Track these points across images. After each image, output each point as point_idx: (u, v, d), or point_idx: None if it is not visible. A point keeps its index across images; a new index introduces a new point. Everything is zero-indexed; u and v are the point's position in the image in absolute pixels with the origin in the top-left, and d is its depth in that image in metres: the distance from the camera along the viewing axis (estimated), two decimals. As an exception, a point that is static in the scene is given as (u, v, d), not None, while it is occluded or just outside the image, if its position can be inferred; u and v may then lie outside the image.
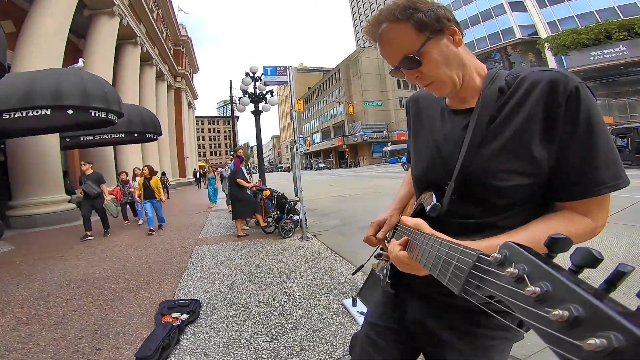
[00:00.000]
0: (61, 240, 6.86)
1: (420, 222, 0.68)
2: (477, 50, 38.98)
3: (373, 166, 39.58)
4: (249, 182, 6.47)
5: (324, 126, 62.63)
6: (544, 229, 0.66)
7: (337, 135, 55.71)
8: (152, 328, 2.65)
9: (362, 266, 1.27)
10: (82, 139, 9.26)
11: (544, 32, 33.43)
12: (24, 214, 8.61)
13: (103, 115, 5.93)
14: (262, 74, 7.13)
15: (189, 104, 36.20)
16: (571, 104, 0.65)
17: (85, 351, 2.37)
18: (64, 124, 6.98)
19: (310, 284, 3.48)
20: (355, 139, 49.55)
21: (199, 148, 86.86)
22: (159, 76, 22.50)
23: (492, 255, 0.39)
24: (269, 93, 7.72)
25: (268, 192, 6.35)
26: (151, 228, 7.01)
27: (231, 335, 2.48)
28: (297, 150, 5.67)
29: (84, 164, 6.85)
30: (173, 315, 2.77)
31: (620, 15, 28.68)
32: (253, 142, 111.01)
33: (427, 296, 0.86)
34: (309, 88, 67.64)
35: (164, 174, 19.99)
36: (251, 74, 7.40)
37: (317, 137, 65.98)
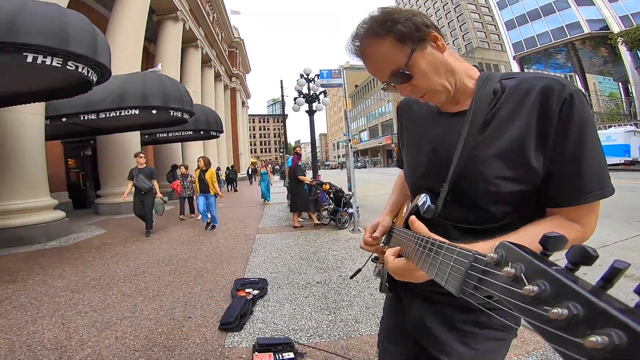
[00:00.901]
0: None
1: (421, 226, 0.69)
2: (540, 46, 35.96)
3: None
4: (307, 178, 6.94)
5: (371, 124, 62.09)
6: (533, 234, 0.66)
7: (386, 133, 54.83)
8: (229, 301, 3.12)
9: (360, 270, 1.31)
10: (158, 136, 10.51)
11: (616, 27, 30.20)
12: (110, 202, 9.97)
13: (179, 114, 6.79)
14: (317, 75, 7.53)
15: (243, 103, 38.24)
16: (564, 111, 0.65)
17: (179, 319, 2.78)
18: (147, 122, 8.00)
19: (363, 270, 3.78)
20: (405, 136, 48.39)
21: (250, 145, 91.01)
22: (217, 77, 24.16)
23: (489, 255, 0.39)
24: (322, 93, 8.11)
25: (327, 186, 6.76)
26: (207, 222, 6.87)
27: (295, 309, 2.89)
28: (350, 147, 5.98)
29: (140, 156, 6.41)
30: (247, 290, 3.26)
31: None
32: (302, 140, 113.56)
33: (427, 296, 0.86)
34: (356, 86, 67.36)
35: (228, 167, 21.52)
36: (305, 75, 7.85)
37: (364, 135, 65.61)
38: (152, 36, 14.43)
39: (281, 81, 15.88)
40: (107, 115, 6.58)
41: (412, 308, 0.91)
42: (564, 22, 34.61)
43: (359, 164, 57.35)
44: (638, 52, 26.92)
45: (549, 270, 0.32)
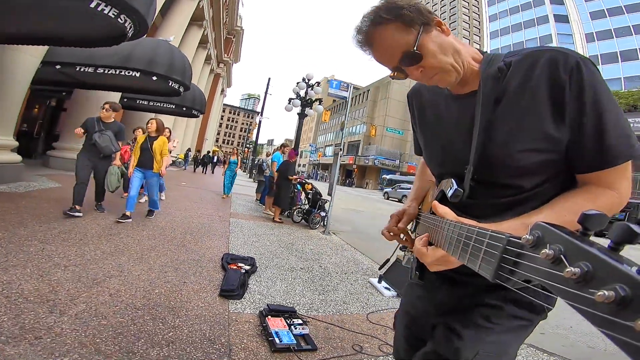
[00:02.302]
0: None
1: (447, 210, 0.68)
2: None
3: (375, 191, 40.03)
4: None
5: (338, 141, 63.39)
6: (568, 206, 0.66)
7: (350, 153, 56.43)
8: (220, 272, 3.25)
9: (388, 260, 1.31)
10: (137, 102, 10.07)
11: (580, 48, 34.58)
12: (65, 156, 9.26)
13: (176, 86, 6.72)
14: (318, 83, 7.94)
15: (222, 90, 37.39)
16: (574, 80, 0.66)
17: (175, 283, 2.78)
18: (142, 87, 7.72)
19: (339, 265, 4.17)
20: (367, 161, 50.18)
21: (215, 134, 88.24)
22: (207, 59, 23.57)
23: (524, 237, 0.38)
24: (317, 101, 8.53)
25: (310, 186, 7.07)
26: (126, 213, 4.60)
27: (287, 286, 3.16)
28: (339, 156, 6.40)
29: (107, 109, 4.65)
30: (238, 264, 3.45)
31: None
32: (276, 140, 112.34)
33: (456, 279, 0.87)
34: (334, 101, 69.00)
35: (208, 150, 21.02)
36: (307, 80, 8.24)
37: (329, 150, 66.96)
38: (164, 8, 13.89)
39: (269, 78, 16.08)
40: (105, 72, 6.32)
41: (442, 290, 0.91)
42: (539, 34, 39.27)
43: (318, 177, 58.33)
44: None
45: (592, 251, 0.30)
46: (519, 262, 0.40)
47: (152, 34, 13.57)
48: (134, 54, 6.18)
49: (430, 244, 0.73)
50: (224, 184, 9.45)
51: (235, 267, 3.39)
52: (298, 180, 7.19)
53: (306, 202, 7.18)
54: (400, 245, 1.02)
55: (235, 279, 2.98)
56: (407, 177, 40.49)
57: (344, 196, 21.80)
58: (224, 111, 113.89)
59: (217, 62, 29.11)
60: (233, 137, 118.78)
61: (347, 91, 7.32)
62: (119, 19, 4.03)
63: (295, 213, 6.95)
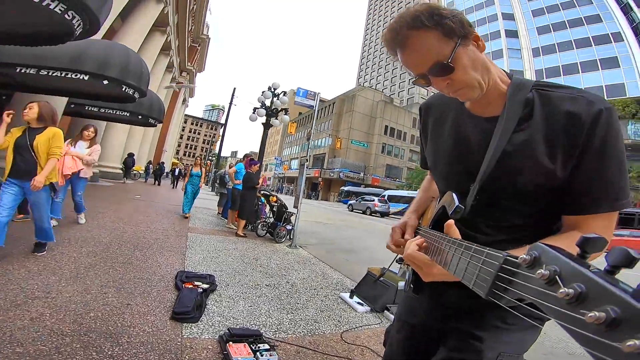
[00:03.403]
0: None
1: (456, 230, 0.69)
2: None
3: (340, 204, 40.29)
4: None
5: (304, 154, 63.47)
6: (559, 243, 0.72)
7: (316, 166, 56.62)
8: (174, 292, 2.88)
9: (386, 270, 1.36)
10: (86, 108, 9.21)
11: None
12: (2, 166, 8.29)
13: (131, 91, 6.18)
14: (284, 92, 7.75)
15: (184, 100, 36.06)
16: (593, 127, 0.69)
17: (115, 304, 2.42)
18: (91, 92, 7.04)
19: (307, 280, 3.91)
20: (332, 174, 50.56)
21: (176, 145, 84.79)
22: (169, 67, 22.60)
23: (521, 256, 0.39)
24: (283, 111, 8.33)
25: (275, 198, 6.75)
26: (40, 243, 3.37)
27: (251, 306, 2.84)
28: (305, 168, 6.20)
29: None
30: (195, 283, 3.08)
31: (605, 95, 31.86)
32: (239, 153, 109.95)
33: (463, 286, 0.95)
34: (300, 114, 69.32)
35: (130, 155, 18.01)
36: (272, 90, 8.02)
37: (294, 163, 66.78)
38: (124, 11, 13.04)
39: (234, 88, 15.69)
40: (50, 74, 5.67)
41: (449, 293, 0.89)
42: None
43: (284, 190, 57.67)
44: None
45: (587, 273, 0.31)
46: (513, 280, 0.40)
47: (109, 38, 12.76)
48: (85, 56, 5.59)
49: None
50: (183, 200, 7.83)
51: (191, 286, 3.02)
52: (262, 191, 6.87)
53: (271, 215, 6.85)
54: (397, 258, 1.01)
55: (190, 300, 2.63)
56: (370, 189, 41.31)
57: (309, 209, 21.57)
58: (185, 122, 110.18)
59: (179, 70, 28.10)
60: (195, 149, 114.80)
61: (314, 100, 7.17)
62: (66, 15, 3.59)
63: (259, 227, 6.60)
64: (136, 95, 6.44)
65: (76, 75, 5.39)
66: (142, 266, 3.51)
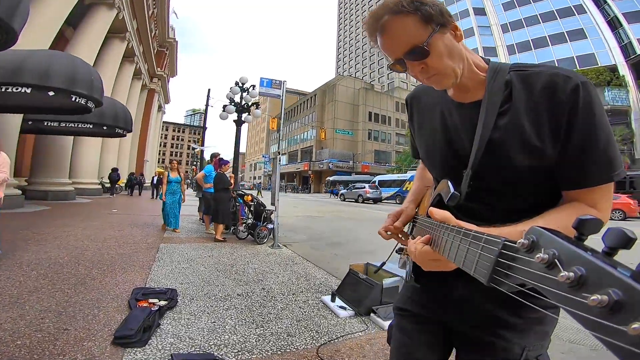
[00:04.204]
0: (3, 225, 6.21)
1: (447, 215, 0.67)
2: None
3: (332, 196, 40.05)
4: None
5: (292, 149, 63.13)
6: (557, 217, 0.69)
7: (305, 159, 56.22)
8: (125, 312, 2.55)
9: (384, 263, 1.25)
10: (45, 124, 8.62)
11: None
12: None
13: (83, 101, 5.68)
14: (253, 86, 7.31)
15: (159, 107, 35.05)
16: (572, 101, 0.69)
17: (50, 331, 2.19)
18: (40, 106, 6.51)
19: (287, 284, 3.53)
20: (322, 166, 50.28)
21: (160, 154, 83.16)
22: (137, 74, 21.79)
23: (519, 241, 0.38)
24: (254, 105, 7.88)
25: (249, 197, 6.33)
26: None
27: (214, 322, 2.47)
28: (278, 162, 5.80)
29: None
30: (150, 300, 2.70)
31: (577, 65, 32.30)
32: (221, 155, 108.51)
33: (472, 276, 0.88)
34: (281, 106, 68.45)
35: (115, 169, 18.17)
36: (240, 84, 7.55)
37: (283, 159, 66.23)
38: (75, 19, 12.30)
39: (209, 90, 15.09)
40: None
41: (458, 288, 0.87)
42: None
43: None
44: None
45: (586, 255, 0.30)
46: (513, 266, 0.40)
47: (62, 47, 12.06)
48: (24, 67, 5.07)
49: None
50: (164, 213, 6.60)
51: (145, 304, 2.64)
52: (235, 193, 6.45)
53: (250, 215, 6.43)
54: (397, 248, 1.02)
55: (137, 321, 2.26)
56: (358, 176, 41.10)
57: (301, 203, 21.27)
58: (166, 129, 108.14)
59: (149, 76, 27.17)
60: (181, 155, 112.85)
61: (280, 88, 6.74)
62: None
63: (240, 229, 6.20)
64: (90, 105, 5.95)
65: (17, 89, 4.88)
66: (95, 286, 3.13)
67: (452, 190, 0.76)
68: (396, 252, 1.05)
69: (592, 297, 0.27)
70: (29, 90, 5.07)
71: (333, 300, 2.92)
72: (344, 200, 27.20)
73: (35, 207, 9.08)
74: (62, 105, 6.13)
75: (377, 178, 30.83)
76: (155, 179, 17.58)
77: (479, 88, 0.81)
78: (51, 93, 5.16)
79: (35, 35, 8.12)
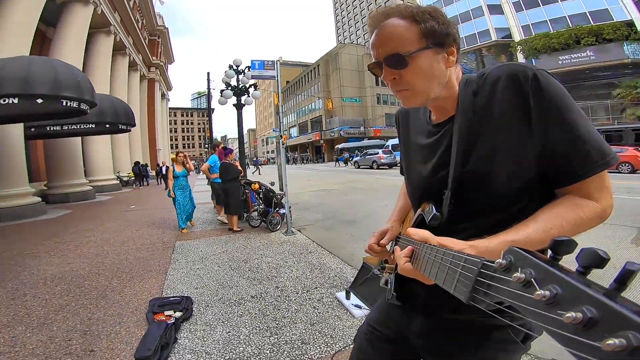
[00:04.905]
0: (28, 235, 6.47)
1: (427, 234, 0.65)
2: None
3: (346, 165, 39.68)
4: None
5: (301, 120, 62.40)
6: (550, 217, 0.65)
7: (315, 130, 55.60)
8: (144, 327, 2.58)
9: (367, 278, 1.23)
10: (48, 129, 8.70)
11: (517, 35, 34.87)
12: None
13: (75, 104, 5.60)
14: (248, 67, 7.00)
15: (163, 95, 34.87)
16: (535, 91, 0.66)
17: (78, 353, 2.25)
18: (32, 113, 6.50)
19: (301, 278, 3.51)
20: (333, 134, 49.67)
21: (172, 140, 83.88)
22: (132, 66, 21.49)
23: (497, 261, 0.39)
24: (252, 87, 7.60)
25: (257, 185, 6.28)
26: None
27: (229, 332, 2.47)
28: (282, 144, 5.64)
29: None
30: (166, 313, 2.72)
31: (591, 21, 30.08)
32: (229, 135, 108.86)
33: (433, 314, 0.85)
34: (287, 82, 66.86)
35: (137, 163, 19.23)
36: (235, 67, 7.25)
37: (294, 131, 65.64)
38: (53, 19, 11.97)
39: (208, 73, 14.75)
40: None
41: (417, 323, 0.89)
42: (476, 30, 39.03)
43: (289, 160, 57.12)
44: (533, 60, 31.26)
45: (560, 274, 0.31)
46: (492, 284, 0.41)
47: (46, 49, 11.86)
48: (2, 78, 4.95)
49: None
50: (178, 209, 6.09)
51: (162, 317, 2.67)
52: (242, 181, 6.38)
53: (260, 202, 6.40)
54: (379, 267, 1.05)
55: (154, 339, 2.28)
56: (367, 141, 40.42)
57: (314, 175, 21.24)
58: (175, 115, 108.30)
59: (146, 66, 26.78)
60: (192, 139, 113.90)
61: (274, 69, 6.42)
62: None
63: (252, 216, 6.20)
64: (84, 106, 5.87)
65: (4, 100, 4.82)
66: (115, 299, 3.20)
67: (433, 211, 0.76)
68: (378, 269, 1.06)
69: (567, 315, 0.28)
70: (16, 101, 5.01)
71: (348, 297, 2.86)
72: (358, 167, 26.94)
73: (57, 212, 9.38)
74: (55, 111, 6.08)
75: (390, 142, 30.22)
76: (164, 168, 17.34)
77: (454, 106, 0.79)
78: (39, 100, 5.09)
79: (11, 41, 7.96)
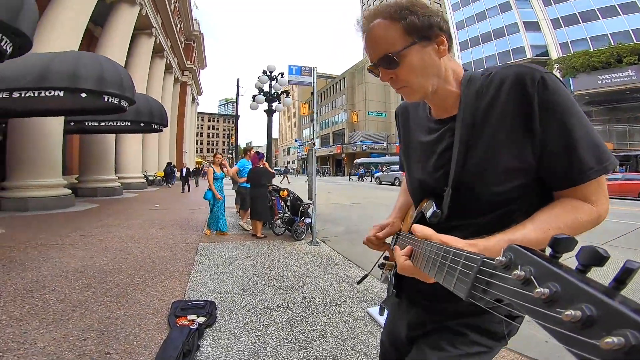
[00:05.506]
0: (55, 226, 6.57)
1: (429, 232, 0.65)
2: (484, 68, 39.90)
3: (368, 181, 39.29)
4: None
5: (324, 133, 62.73)
6: (548, 218, 0.66)
7: (337, 142, 55.66)
8: (165, 331, 2.44)
9: (367, 275, 1.23)
10: (87, 124, 9.02)
11: (555, 53, 33.68)
12: (16, 196, 8.30)
13: (116, 101, 5.73)
14: (281, 74, 7.00)
15: (193, 99, 36.00)
16: (541, 93, 0.66)
17: (92, 355, 2.09)
18: (75, 108, 6.73)
19: (329, 290, 3.30)
20: (355, 148, 49.54)
21: (197, 144, 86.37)
22: (168, 69, 22.36)
23: (497, 259, 0.39)
24: (284, 93, 7.59)
25: (285, 192, 6.16)
26: None
27: (255, 342, 2.29)
28: (314, 153, 5.51)
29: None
30: (189, 317, 2.57)
31: (634, 39, 28.68)
32: (254, 142, 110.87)
33: (427, 306, 0.89)
34: (312, 93, 67.69)
35: (169, 164, 20.02)
36: (268, 73, 7.27)
37: (316, 142, 65.96)
38: (101, 19, 12.65)
39: (238, 79, 15.05)
40: (23, 96, 5.31)
41: (411, 313, 0.93)
42: (510, 46, 38.07)
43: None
44: (570, 79, 29.84)
45: (560, 272, 0.31)
46: (491, 282, 0.41)
47: (93, 47, 12.43)
48: (51, 71, 5.15)
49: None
50: (215, 214, 5.81)
51: (185, 321, 2.51)
52: (271, 187, 6.27)
53: (286, 210, 6.25)
54: (379, 263, 1.02)
55: (176, 345, 2.13)
56: (387, 158, 40.02)
57: (335, 188, 21.01)
58: (202, 120, 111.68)
59: (180, 70, 27.79)
60: (217, 144, 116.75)
61: (311, 75, 6.37)
62: None
63: (277, 224, 6.05)
64: (124, 104, 6.00)
65: (50, 93, 4.98)
66: (136, 298, 3.08)
67: (434, 207, 0.76)
68: (378, 266, 1.03)
69: (566, 312, 0.28)
70: (61, 94, 5.17)
71: (381, 313, 2.60)
72: (379, 183, 26.54)
73: (85, 205, 9.61)
74: (96, 106, 6.26)
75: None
76: (185, 170, 17.22)
77: (456, 103, 0.79)
78: (83, 95, 5.23)
79: (62, 37, 8.35)
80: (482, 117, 0.74)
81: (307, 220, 5.76)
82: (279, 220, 6.13)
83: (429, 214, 0.77)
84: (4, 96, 5.09)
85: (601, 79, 28.74)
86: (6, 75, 4.83)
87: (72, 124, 8.83)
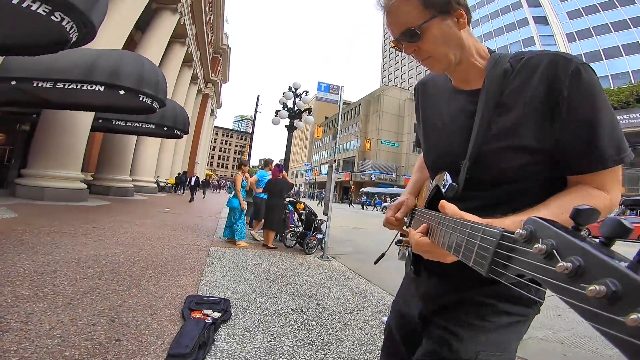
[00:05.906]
0: (68, 216, 6.64)
1: (456, 209, 0.63)
2: None
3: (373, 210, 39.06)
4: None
5: (335, 158, 63.09)
6: (562, 203, 0.66)
7: (346, 170, 55.86)
8: (178, 323, 2.40)
9: (384, 254, 1.19)
10: (114, 122, 9.29)
11: None
12: (33, 184, 8.45)
13: (149, 101, 5.95)
14: (305, 91, 7.21)
15: (212, 112, 36.91)
16: (573, 82, 0.67)
17: (101, 340, 2.01)
18: (110, 104, 6.98)
19: (342, 300, 3.25)
20: (363, 177, 49.57)
21: (209, 157, 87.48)
22: (193, 79, 23.12)
23: (517, 231, 0.38)
24: (307, 111, 7.78)
25: (302, 205, 6.17)
26: None
27: (270, 341, 2.23)
28: (334, 170, 5.57)
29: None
30: (204, 311, 2.54)
31: None
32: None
33: (446, 273, 0.83)
34: (326, 118, 68.81)
35: (184, 172, 20.36)
36: (294, 90, 7.50)
37: (324, 168, 66.33)
38: (142, 25, 13.39)
39: (258, 96, 15.46)
40: (66, 87, 5.53)
41: (430, 284, 0.89)
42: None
43: (315, 196, 57.20)
44: None
45: (583, 246, 0.30)
46: (512, 256, 0.39)
47: (132, 49, 13.01)
48: (97, 66, 5.42)
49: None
50: (235, 223, 5.70)
51: (199, 315, 2.48)
52: (287, 200, 6.31)
53: (299, 223, 6.25)
54: (396, 240, 1.02)
55: (192, 336, 2.09)
56: (391, 189, 40.02)
57: (341, 213, 20.87)
58: (216, 134, 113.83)
59: (204, 81, 28.69)
60: (227, 159, 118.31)
61: (338, 94, 6.55)
62: (52, 17, 3.30)
63: (288, 237, 6.03)
64: (155, 105, 6.22)
65: (91, 87, 5.21)
66: (150, 289, 3.05)
67: (449, 181, 0.76)
68: (395, 244, 1.03)
69: (590, 288, 0.27)
70: (102, 89, 5.39)
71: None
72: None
73: (97, 201, 9.73)
74: (130, 105, 6.48)
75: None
76: (193, 179, 17.34)
77: (479, 77, 0.81)
78: (122, 92, 5.45)
79: (108, 38, 8.79)
80: (508, 96, 0.75)
81: (319, 236, 5.74)
82: (290, 234, 6.11)
83: (445, 187, 0.76)
84: (48, 86, 5.32)
85: (619, 120, 28.38)
86: (55, 67, 5.09)
87: (100, 121, 9.12)
